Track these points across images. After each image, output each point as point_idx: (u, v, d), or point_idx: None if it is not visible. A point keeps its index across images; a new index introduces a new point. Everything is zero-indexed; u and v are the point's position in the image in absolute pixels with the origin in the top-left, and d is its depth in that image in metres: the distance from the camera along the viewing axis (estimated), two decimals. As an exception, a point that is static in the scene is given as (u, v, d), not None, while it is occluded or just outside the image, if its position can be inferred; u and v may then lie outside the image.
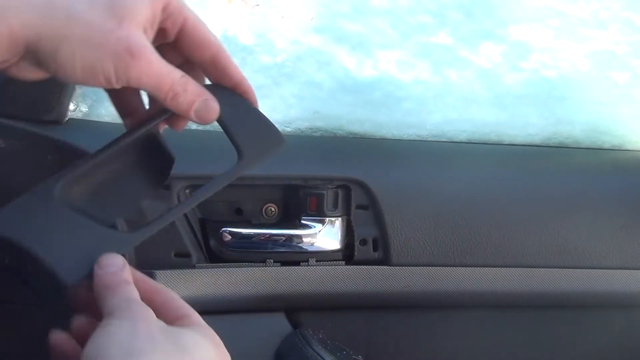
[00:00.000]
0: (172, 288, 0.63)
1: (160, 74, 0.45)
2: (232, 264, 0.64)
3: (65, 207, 0.49)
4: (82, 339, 0.48)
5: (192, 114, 0.48)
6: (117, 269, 0.47)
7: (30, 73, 0.46)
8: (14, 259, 0.50)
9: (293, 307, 0.71)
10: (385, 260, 0.68)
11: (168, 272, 0.64)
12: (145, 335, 0.44)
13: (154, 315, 0.46)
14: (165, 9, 0.46)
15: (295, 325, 0.71)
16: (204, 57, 0.49)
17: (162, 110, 0.51)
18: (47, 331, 0.66)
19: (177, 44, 0.48)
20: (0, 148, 0.62)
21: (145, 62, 0.44)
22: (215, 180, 0.53)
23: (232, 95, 0.51)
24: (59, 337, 0.48)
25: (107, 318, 0.45)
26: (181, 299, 0.49)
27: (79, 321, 0.48)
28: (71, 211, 0.49)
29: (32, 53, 0.44)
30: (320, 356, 0.65)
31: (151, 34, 0.46)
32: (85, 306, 0.49)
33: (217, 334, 0.64)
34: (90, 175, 0.52)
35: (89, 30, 0.43)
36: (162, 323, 0.46)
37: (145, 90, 0.46)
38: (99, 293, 0.47)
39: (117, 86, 0.45)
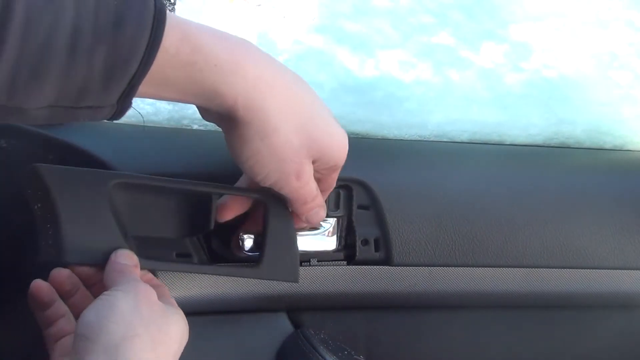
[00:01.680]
0: (174, 288, 0.63)
1: (306, 196, 0.54)
2: (233, 264, 0.64)
3: (107, 200, 0.53)
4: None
5: (304, 217, 0.57)
6: (130, 263, 0.52)
7: (209, 119, 0.51)
8: (44, 210, 0.53)
9: (294, 307, 0.71)
10: (387, 261, 0.68)
11: (169, 272, 0.64)
12: (144, 315, 0.48)
13: (156, 295, 0.50)
14: (331, 167, 0.54)
15: (296, 325, 0.71)
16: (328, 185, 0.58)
17: (244, 189, 0.58)
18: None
19: None
20: (1, 148, 0.62)
21: (302, 184, 0.52)
22: (229, 270, 0.60)
23: (285, 211, 0.58)
24: (60, 273, 0.53)
25: (112, 289, 0.49)
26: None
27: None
28: (109, 208, 0.53)
29: (227, 118, 0.49)
30: (321, 356, 0.65)
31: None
32: (84, 279, 0.54)
33: (219, 334, 0.65)
34: (144, 190, 0.57)
35: (283, 145, 0.49)
36: (161, 304, 0.50)
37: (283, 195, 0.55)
38: (108, 275, 0.51)
39: (261, 185, 0.53)
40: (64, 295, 0.53)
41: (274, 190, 0.54)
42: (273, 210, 0.57)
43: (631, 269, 0.75)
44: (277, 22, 0.80)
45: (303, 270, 0.67)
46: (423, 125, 0.75)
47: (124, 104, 0.43)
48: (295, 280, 0.59)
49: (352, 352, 0.69)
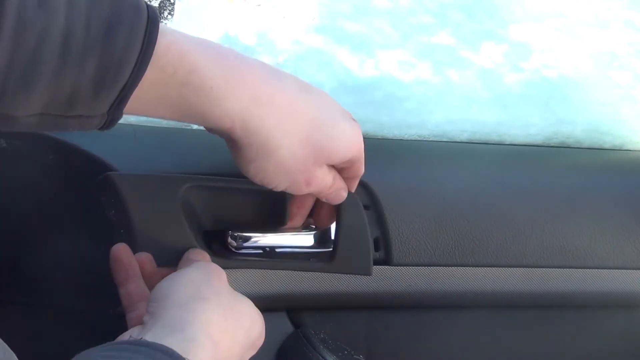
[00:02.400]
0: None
1: (321, 190, 0.54)
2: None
3: (179, 204, 0.56)
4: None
5: (324, 197, 0.57)
6: (203, 260, 0.55)
7: (214, 134, 0.51)
8: (117, 216, 0.55)
9: (294, 307, 0.71)
10: (386, 260, 0.68)
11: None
12: (214, 286, 0.50)
13: (226, 279, 0.53)
14: (349, 160, 0.54)
15: (296, 325, 0.71)
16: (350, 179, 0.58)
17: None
18: (48, 332, 0.67)
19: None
20: (1, 148, 0.62)
21: (314, 187, 0.53)
22: (302, 264, 0.62)
23: (358, 205, 0.60)
24: (142, 254, 0.55)
25: (185, 267, 0.52)
26: None
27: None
28: (181, 211, 0.55)
29: (228, 139, 0.50)
30: (321, 356, 0.65)
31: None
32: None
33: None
34: (217, 191, 0.59)
35: (289, 160, 0.50)
36: (230, 288, 0.52)
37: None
38: (181, 267, 0.54)
39: (274, 190, 0.53)
40: (146, 278, 0.55)
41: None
42: (345, 204, 0.58)
43: (631, 269, 0.75)
44: (277, 22, 0.79)
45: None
46: (423, 125, 0.75)
47: (114, 114, 0.43)
48: (369, 274, 0.61)
49: (352, 352, 0.69)
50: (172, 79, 0.44)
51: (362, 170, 0.58)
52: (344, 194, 0.58)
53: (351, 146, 0.54)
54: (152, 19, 0.42)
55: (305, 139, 0.50)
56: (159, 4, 0.78)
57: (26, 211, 0.64)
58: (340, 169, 0.56)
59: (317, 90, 0.53)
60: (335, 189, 0.56)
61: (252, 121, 0.47)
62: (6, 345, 0.28)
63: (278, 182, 0.52)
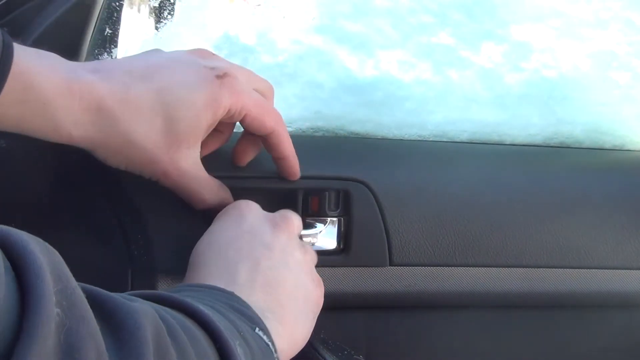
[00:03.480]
0: (173, 290, 0.64)
1: (184, 191, 0.53)
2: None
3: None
4: None
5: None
6: None
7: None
8: (133, 222, 0.57)
9: (294, 307, 0.71)
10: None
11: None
12: (246, 223, 0.53)
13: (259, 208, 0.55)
14: (227, 113, 0.51)
15: (296, 325, 0.71)
16: (260, 135, 0.56)
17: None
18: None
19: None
20: (1, 148, 0.62)
21: (173, 181, 0.52)
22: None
23: (370, 196, 0.62)
24: None
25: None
26: None
27: None
28: (196, 211, 0.56)
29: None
30: (321, 356, 0.65)
31: (205, 135, 0.52)
32: None
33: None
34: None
35: (139, 152, 0.50)
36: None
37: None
38: None
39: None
40: None
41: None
42: (357, 196, 0.58)
43: (631, 269, 0.75)
44: (277, 22, 0.79)
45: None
46: (423, 125, 0.75)
47: None
48: (385, 265, 0.61)
49: (352, 352, 0.69)
50: (8, 98, 0.44)
51: (286, 144, 0.57)
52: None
53: (206, 113, 0.50)
54: (7, 44, 0.42)
55: (149, 129, 0.49)
56: (159, 4, 0.78)
57: (26, 211, 0.64)
58: (265, 142, 0.56)
59: (164, 67, 0.50)
60: (217, 196, 0.56)
61: (89, 130, 0.48)
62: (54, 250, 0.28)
63: (138, 170, 0.51)
